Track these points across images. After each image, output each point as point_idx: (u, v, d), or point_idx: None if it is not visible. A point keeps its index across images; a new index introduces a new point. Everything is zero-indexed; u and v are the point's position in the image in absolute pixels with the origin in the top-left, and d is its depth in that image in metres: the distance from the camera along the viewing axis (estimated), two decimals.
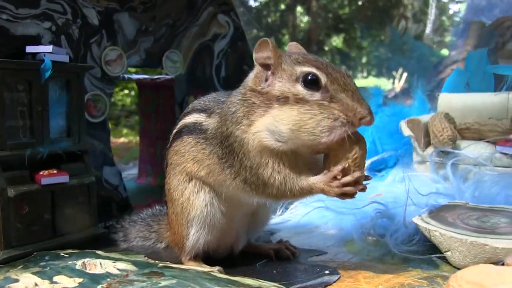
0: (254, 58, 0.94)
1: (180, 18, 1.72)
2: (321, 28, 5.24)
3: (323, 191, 0.92)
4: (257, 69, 0.95)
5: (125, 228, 1.30)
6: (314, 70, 0.89)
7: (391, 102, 1.86)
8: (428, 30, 3.43)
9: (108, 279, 0.91)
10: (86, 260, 1.00)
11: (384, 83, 5.57)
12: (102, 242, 1.26)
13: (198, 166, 1.01)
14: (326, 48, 5.34)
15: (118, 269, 0.96)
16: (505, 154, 1.38)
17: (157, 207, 1.31)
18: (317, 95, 0.88)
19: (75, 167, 1.28)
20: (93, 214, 1.31)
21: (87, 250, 1.09)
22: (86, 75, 1.44)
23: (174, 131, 1.08)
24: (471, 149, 1.46)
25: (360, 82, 5.65)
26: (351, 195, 0.91)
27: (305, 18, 5.53)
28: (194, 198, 1.02)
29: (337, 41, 5.53)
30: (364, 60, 5.48)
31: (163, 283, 0.87)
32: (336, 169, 0.90)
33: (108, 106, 1.52)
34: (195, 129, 1.02)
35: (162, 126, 1.90)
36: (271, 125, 0.90)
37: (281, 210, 1.43)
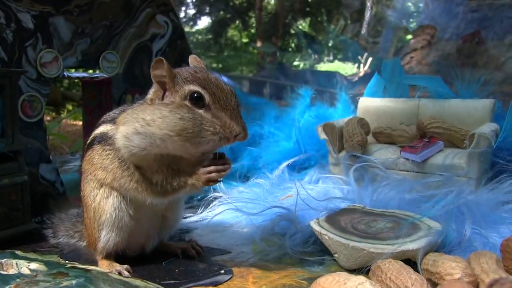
0: (151, 76, 1.02)
1: (117, 19, 1.78)
2: (288, 11, 5.30)
3: (193, 186, 1.05)
4: (155, 86, 1.04)
5: (55, 225, 1.39)
6: (199, 89, 1.00)
7: (317, 103, 1.96)
8: (363, 31, 3.54)
9: (18, 280, 1.01)
10: (3, 260, 1.10)
11: (350, 67, 5.69)
12: (34, 238, 1.35)
13: (106, 173, 1.10)
14: (293, 32, 5.42)
15: (30, 270, 1.06)
16: (406, 159, 1.49)
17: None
18: (201, 111, 0.99)
19: (7, 167, 1.37)
20: (27, 211, 1.39)
21: (7, 250, 1.19)
22: (22, 77, 1.50)
23: (88, 142, 1.17)
24: (380, 154, 1.56)
25: (326, 66, 5.77)
26: (215, 181, 1.05)
27: (272, 1, 5.57)
28: (104, 203, 1.12)
29: (303, 24, 5.60)
30: (330, 44, 5.57)
31: (64, 283, 0.98)
32: (203, 170, 1.04)
33: (44, 106, 1.59)
34: (102, 138, 1.12)
35: None
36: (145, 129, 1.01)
37: (201, 209, 1.53)
